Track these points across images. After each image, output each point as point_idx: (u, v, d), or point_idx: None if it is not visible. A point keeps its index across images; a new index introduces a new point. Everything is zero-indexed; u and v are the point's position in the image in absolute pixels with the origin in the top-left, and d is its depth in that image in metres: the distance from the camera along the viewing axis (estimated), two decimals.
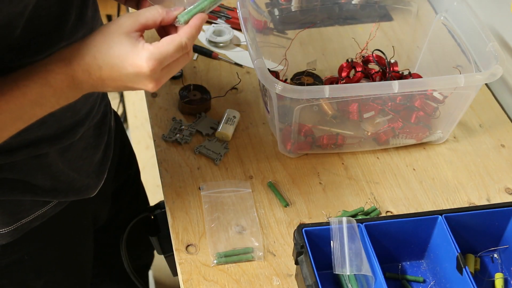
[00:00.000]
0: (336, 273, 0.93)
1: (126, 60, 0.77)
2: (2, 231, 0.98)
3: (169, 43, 0.79)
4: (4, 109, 0.76)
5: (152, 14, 0.80)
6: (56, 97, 0.79)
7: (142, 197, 1.49)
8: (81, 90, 0.81)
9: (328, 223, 0.97)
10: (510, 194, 1.17)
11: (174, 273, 1.16)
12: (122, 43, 0.78)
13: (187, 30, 0.81)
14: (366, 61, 1.30)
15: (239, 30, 1.45)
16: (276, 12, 1.37)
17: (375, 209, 1.12)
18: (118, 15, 1.95)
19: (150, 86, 0.80)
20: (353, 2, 1.40)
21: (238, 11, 1.20)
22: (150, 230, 1.29)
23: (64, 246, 1.14)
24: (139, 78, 0.79)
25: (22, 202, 0.98)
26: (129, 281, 1.38)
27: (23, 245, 1.03)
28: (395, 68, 1.28)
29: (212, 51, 1.40)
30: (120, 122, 1.29)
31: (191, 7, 0.84)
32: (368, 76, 1.28)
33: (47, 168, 0.97)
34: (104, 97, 1.09)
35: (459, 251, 0.96)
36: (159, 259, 1.61)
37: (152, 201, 1.52)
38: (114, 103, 2.29)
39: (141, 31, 0.80)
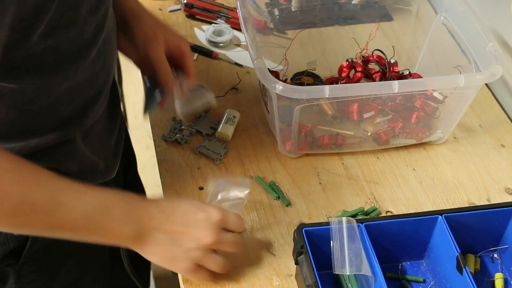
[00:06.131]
0: (336, 273, 0.93)
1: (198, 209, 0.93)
2: None
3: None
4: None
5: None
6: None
7: (139, 181, 1.51)
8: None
9: (328, 223, 0.97)
10: (510, 194, 1.17)
11: (174, 273, 1.16)
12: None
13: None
14: (366, 61, 1.30)
15: (239, 30, 1.45)
16: (276, 12, 1.37)
17: (375, 209, 1.12)
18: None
19: (209, 233, 0.92)
20: (353, 2, 1.40)
21: (238, 11, 1.20)
22: None
23: None
24: (204, 222, 0.92)
25: None
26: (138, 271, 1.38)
27: None
28: (395, 68, 1.28)
29: (212, 51, 1.40)
30: None
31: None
32: (368, 76, 1.28)
33: (75, 154, 1.00)
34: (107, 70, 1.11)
35: (459, 251, 0.96)
36: None
37: None
38: None
39: None
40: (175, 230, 0.91)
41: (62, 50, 0.88)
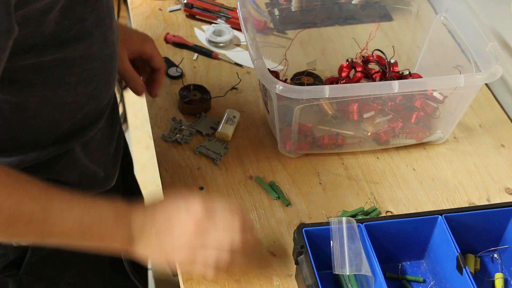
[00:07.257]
0: (336, 273, 0.93)
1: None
2: None
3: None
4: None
5: None
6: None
7: (136, 183, 1.50)
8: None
9: (328, 223, 0.97)
10: (510, 194, 1.17)
11: (174, 273, 1.16)
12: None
13: None
14: (366, 61, 1.30)
15: (239, 30, 1.45)
16: (276, 12, 1.37)
17: (375, 209, 1.12)
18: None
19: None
20: (353, 2, 1.40)
21: (238, 11, 1.20)
22: None
23: None
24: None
25: None
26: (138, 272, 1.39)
27: None
28: (395, 68, 1.28)
29: (212, 51, 1.40)
30: None
31: None
32: (368, 76, 1.28)
33: (75, 164, 1.00)
34: (111, 85, 1.11)
35: (459, 251, 0.96)
36: None
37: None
38: None
39: None
40: (161, 228, 0.89)
41: (68, 64, 0.88)
